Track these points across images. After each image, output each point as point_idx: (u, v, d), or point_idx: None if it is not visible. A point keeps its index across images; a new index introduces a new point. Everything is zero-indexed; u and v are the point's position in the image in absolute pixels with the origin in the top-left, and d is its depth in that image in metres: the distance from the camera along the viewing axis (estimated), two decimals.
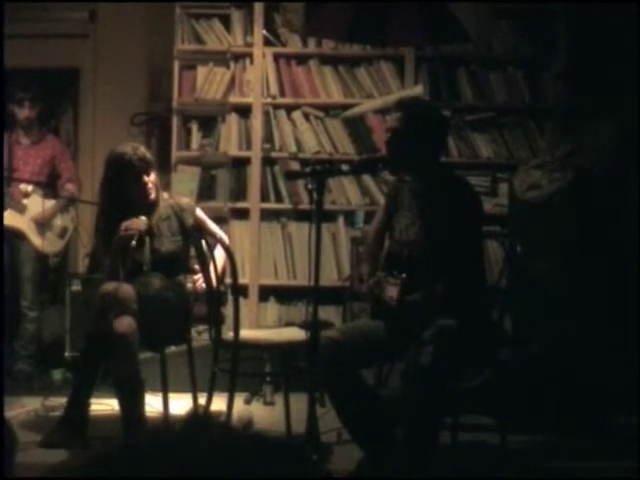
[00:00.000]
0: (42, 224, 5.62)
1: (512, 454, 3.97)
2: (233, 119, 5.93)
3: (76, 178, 5.91)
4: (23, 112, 5.69)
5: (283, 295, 5.87)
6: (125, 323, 3.98)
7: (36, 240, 5.60)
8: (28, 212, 5.61)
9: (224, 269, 4.46)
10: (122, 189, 4.24)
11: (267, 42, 5.91)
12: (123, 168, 4.20)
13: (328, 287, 5.42)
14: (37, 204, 5.59)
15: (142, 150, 4.27)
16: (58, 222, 5.75)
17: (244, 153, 5.92)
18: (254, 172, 5.87)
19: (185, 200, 4.57)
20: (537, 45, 5.76)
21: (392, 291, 3.56)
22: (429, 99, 5.62)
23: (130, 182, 4.22)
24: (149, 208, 4.30)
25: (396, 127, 3.68)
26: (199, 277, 4.39)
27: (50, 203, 5.68)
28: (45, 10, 6.47)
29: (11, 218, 5.56)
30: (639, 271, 4.60)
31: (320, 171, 3.54)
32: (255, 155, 5.87)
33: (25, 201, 5.62)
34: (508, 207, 5.29)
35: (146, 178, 4.24)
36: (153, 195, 4.29)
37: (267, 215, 5.91)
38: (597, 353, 4.54)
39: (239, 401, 4.76)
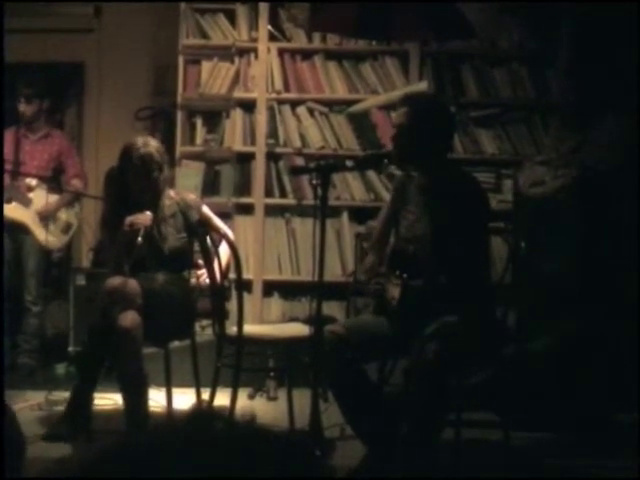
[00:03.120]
0: (46, 217, 5.62)
1: (515, 451, 3.97)
2: (237, 114, 5.93)
3: (82, 174, 5.91)
4: (29, 107, 5.68)
5: (287, 290, 5.87)
6: (129, 318, 3.98)
7: (40, 234, 5.60)
8: (33, 206, 5.62)
9: (228, 264, 4.46)
10: (129, 182, 4.24)
11: (272, 37, 5.91)
12: (127, 160, 4.21)
13: (332, 283, 5.42)
14: (41, 198, 5.60)
15: (149, 149, 4.23)
16: (63, 217, 5.75)
17: (248, 148, 5.92)
18: (258, 167, 5.87)
19: (191, 196, 4.57)
20: (542, 41, 5.75)
21: (394, 292, 3.56)
22: (435, 94, 5.62)
23: (131, 175, 4.22)
24: (153, 204, 4.29)
25: (402, 122, 3.68)
26: (203, 272, 4.40)
27: (55, 197, 5.69)
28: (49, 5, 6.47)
29: (16, 211, 5.57)
30: None
31: (324, 167, 3.54)
32: (259, 150, 5.87)
33: (31, 195, 5.62)
34: (512, 203, 5.28)
35: (146, 178, 4.23)
36: (147, 196, 4.27)
37: (271, 210, 5.91)
38: (599, 350, 4.53)
39: (242, 396, 4.76)
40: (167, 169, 4.41)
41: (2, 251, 5.42)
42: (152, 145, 4.28)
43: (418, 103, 3.74)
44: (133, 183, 4.24)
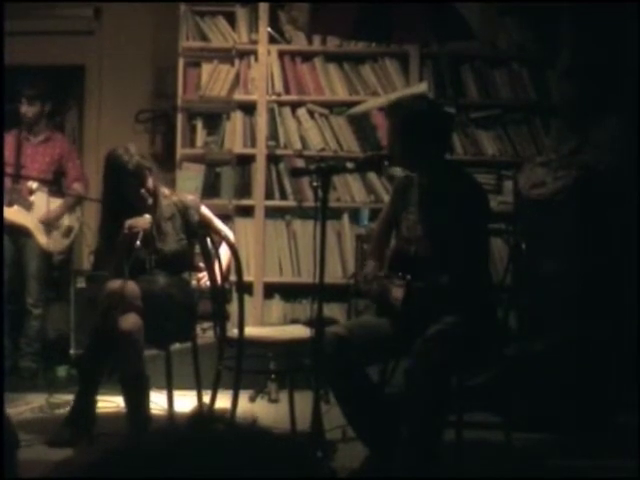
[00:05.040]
0: (48, 224, 5.62)
1: (516, 452, 3.97)
2: (238, 116, 5.93)
3: (83, 178, 5.90)
4: (31, 108, 5.68)
5: (288, 292, 5.87)
6: (130, 320, 3.98)
7: (41, 238, 5.60)
8: (34, 209, 5.61)
9: (229, 266, 4.46)
10: (120, 191, 4.23)
11: (272, 39, 5.91)
12: (119, 174, 4.18)
13: (333, 284, 5.42)
14: (42, 202, 5.60)
15: (137, 158, 4.19)
16: (65, 222, 5.74)
17: (249, 150, 5.92)
18: (259, 169, 5.87)
19: (189, 197, 4.55)
20: (542, 42, 5.75)
21: (397, 293, 3.56)
22: (433, 96, 5.61)
23: (126, 187, 4.20)
24: (151, 207, 4.28)
25: (389, 134, 3.70)
26: (204, 275, 4.39)
27: (57, 203, 5.68)
28: (51, 7, 6.48)
29: (18, 215, 5.57)
30: None
31: (325, 168, 3.54)
32: (260, 152, 5.87)
33: (32, 198, 5.62)
34: (513, 205, 5.28)
35: (142, 190, 4.20)
36: (150, 201, 4.26)
37: (272, 212, 5.91)
38: (600, 351, 4.53)
39: (244, 399, 4.76)
40: (155, 168, 4.38)
41: (2, 254, 5.42)
42: (135, 152, 4.23)
43: (399, 113, 3.73)
44: (130, 194, 4.21)
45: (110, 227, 4.24)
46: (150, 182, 4.24)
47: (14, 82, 5.72)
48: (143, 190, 4.21)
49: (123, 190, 4.21)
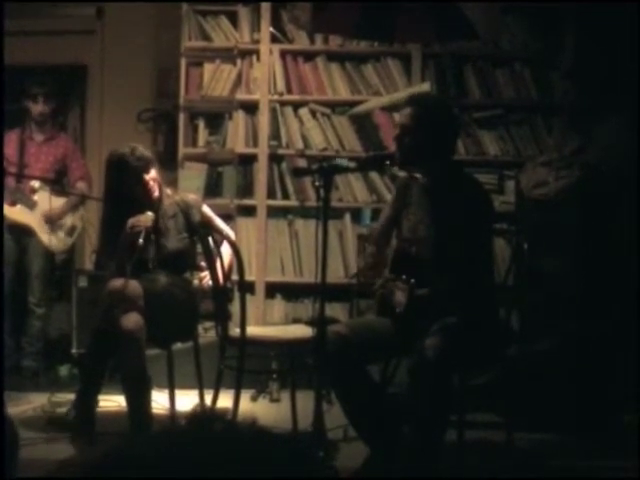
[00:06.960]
0: (53, 222, 5.62)
1: (517, 452, 3.97)
2: (240, 116, 5.93)
3: (87, 177, 5.90)
4: (37, 107, 5.68)
5: (290, 292, 5.87)
6: (132, 320, 3.98)
7: (44, 238, 5.60)
8: (38, 209, 5.61)
9: (231, 266, 4.46)
10: (124, 189, 4.23)
11: (274, 39, 5.91)
12: (122, 169, 4.19)
13: (335, 284, 5.41)
14: (44, 201, 5.60)
15: (140, 150, 4.21)
16: (68, 221, 5.75)
17: (251, 150, 5.92)
18: (261, 169, 5.87)
19: (191, 196, 4.56)
20: (544, 42, 5.75)
21: (400, 296, 3.54)
22: (440, 95, 5.61)
23: (131, 182, 4.21)
24: (153, 205, 4.28)
25: (406, 123, 3.66)
26: (206, 274, 4.39)
27: (60, 202, 5.68)
28: (53, 7, 6.48)
29: (21, 214, 5.57)
30: None
31: (327, 168, 3.53)
32: (262, 152, 5.87)
33: (35, 197, 5.62)
34: (515, 204, 5.28)
35: (146, 177, 4.22)
36: (157, 193, 4.27)
37: (274, 212, 5.91)
38: (602, 351, 4.53)
39: (245, 398, 4.76)
40: (157, 164, 4.38)
41: (2, 252, 5.41)
42: (138, 146, 4.25)
43: (423, 104, 3.71)
44: (133, 186, 4.22)
45: (112, 226, 4.24)
46: (154, 172, 4.25)
47: (16, 81, 5.72)
48: (148, 176, 4.21)
49: (127, 181, 4.21)
